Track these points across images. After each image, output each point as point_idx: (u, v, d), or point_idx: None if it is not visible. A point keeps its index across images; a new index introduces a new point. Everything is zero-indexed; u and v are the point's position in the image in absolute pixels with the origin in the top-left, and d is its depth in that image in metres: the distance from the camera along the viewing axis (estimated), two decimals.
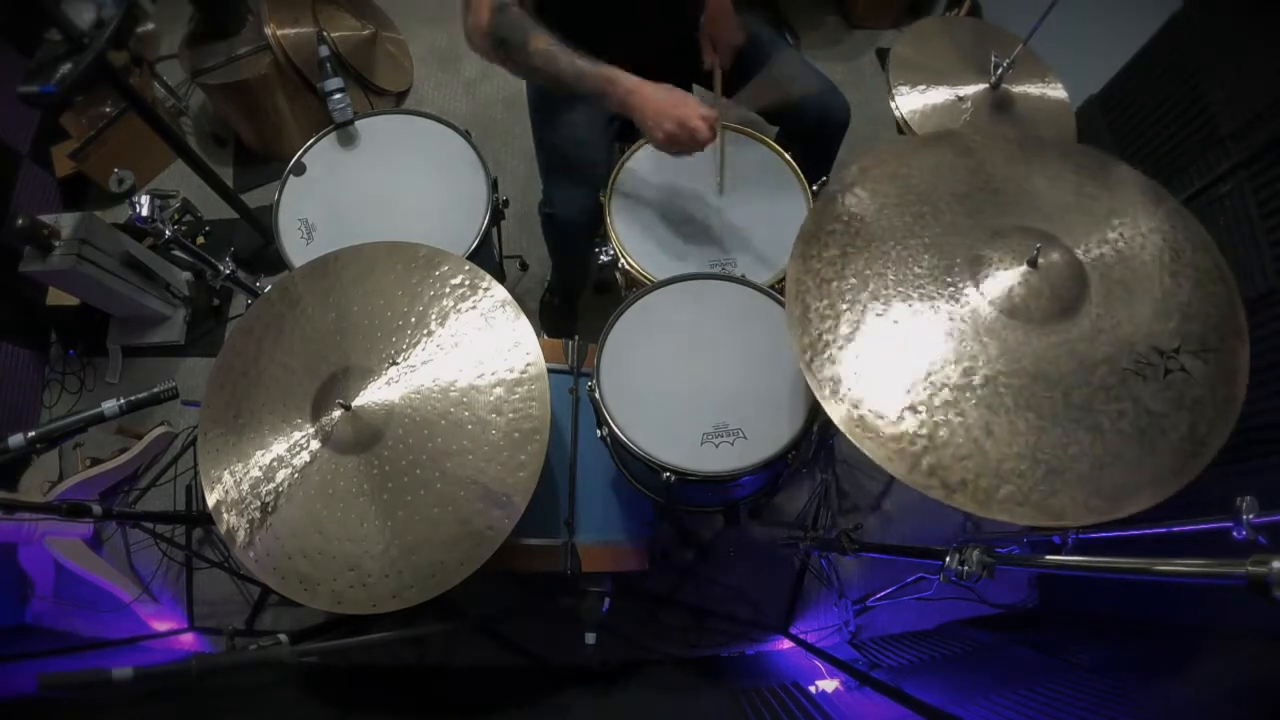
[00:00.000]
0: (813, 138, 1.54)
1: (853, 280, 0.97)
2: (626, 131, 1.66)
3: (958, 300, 0.94)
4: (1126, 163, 1.08)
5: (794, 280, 0.98)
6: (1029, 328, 0.92)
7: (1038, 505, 0.82)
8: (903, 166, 1.08)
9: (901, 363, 0.90)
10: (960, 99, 1.47)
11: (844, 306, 0.95)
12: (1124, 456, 0.84)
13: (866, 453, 0.85)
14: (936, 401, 0.87)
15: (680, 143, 1.22)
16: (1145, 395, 0.87)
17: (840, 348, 0.92)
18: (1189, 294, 0.95)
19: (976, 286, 0.95)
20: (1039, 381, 0.88)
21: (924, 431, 0.85)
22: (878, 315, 0.94)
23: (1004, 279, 0.95)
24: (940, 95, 1.48)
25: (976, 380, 0.88)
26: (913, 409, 0.87)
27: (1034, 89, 1.50)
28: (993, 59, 1.45)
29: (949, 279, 0.96)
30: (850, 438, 0.86)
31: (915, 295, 0.95)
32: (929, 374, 0.89)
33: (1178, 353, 0.90)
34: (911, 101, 1.47)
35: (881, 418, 0.87)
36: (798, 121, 1.54)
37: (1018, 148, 1.11)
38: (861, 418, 0.87)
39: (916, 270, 0.97)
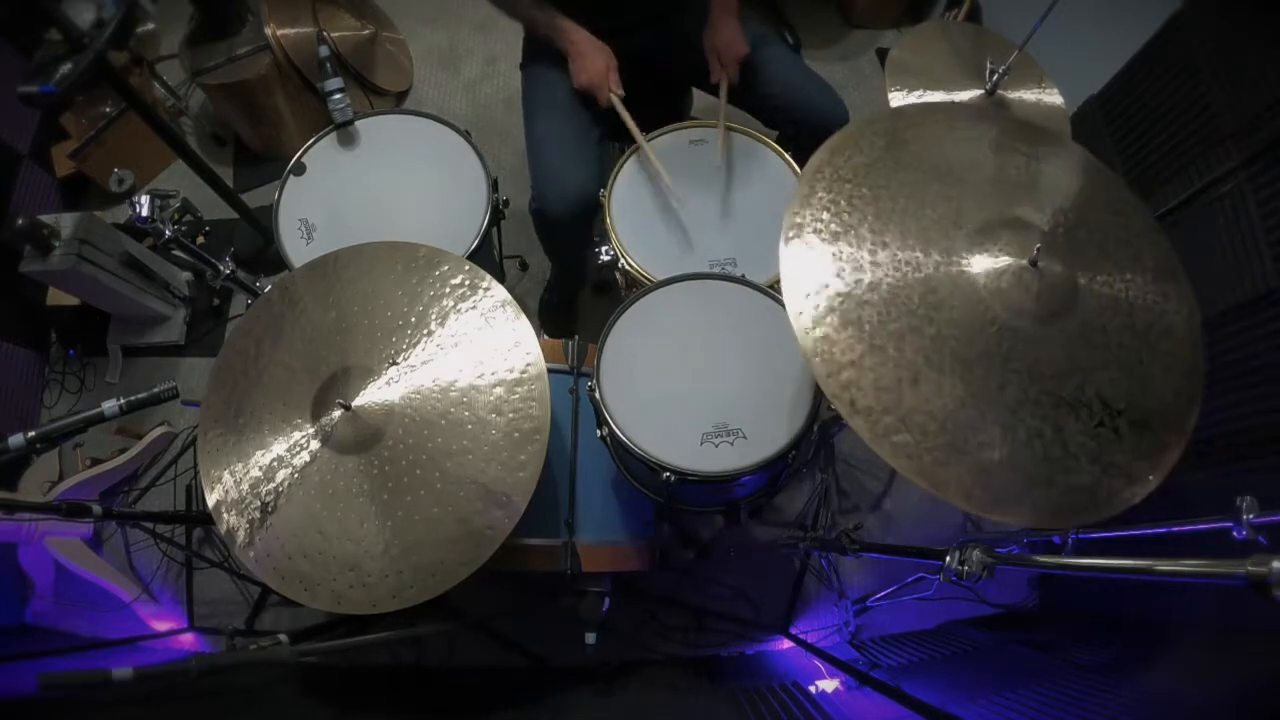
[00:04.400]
0: (812, 143, 1.54)
1: (865, 190, 0.97)
2: (621, 131, 1.66)
3: (950, 255, 0.94)
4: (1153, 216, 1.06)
5: (814, 166, 0.99)
6: (1002, 312, 0.91)
7: (924, 468, 0.82)
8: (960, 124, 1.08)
9: (871, 280, 0.91)
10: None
11: (845, 207, 0.96)
12: (1021, 471, 0.84)
13: (798, 338, 0.87)
14: (886, 329, 0.88)
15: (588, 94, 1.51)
16: (1068, 431, 0.86)
17: (824, 240, 0.93)
18: (1156, 372, 0.92)
19: (972, 254, 0.95)
20: (984, 362, 0.88)
21: (859, 347, 0.86)
22: (872, 231, 0.94)
23: (1003, 261, 0.94)
24: (935, 100, 1.47)
25: (929, 330, 0.88)
26: (859, 324, 0.88)
27: (1029, 95, 1.49)
28: (988, 65, 1.45)
29: (951, 234, 0.96)
30: (793, 322, 0.88)
31: (914, 231, 0.95)
32: (890, 302, 0.90)
33: (1120, 414, 0.88)
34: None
35: (828, 316, 0.88)
36: (796, 125, 1.55)
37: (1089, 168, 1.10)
38: (814, 308, 0.89)
39: (929, 212, 0.97)
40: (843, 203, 0.96)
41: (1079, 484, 0.84)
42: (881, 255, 0.93)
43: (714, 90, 1.67)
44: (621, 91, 1.47)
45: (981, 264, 0.94)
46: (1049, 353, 0.90)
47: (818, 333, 0.87)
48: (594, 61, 1.47)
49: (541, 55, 1.58)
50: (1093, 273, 0.97)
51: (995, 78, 1.44)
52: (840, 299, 0.89)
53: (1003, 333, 0.90)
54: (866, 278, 0.91)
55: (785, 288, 0.90)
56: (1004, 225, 0.98)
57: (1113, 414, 0.88)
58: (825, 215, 0.95)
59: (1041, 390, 0.87)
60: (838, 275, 0.91)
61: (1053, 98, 1.50)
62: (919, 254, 0.94)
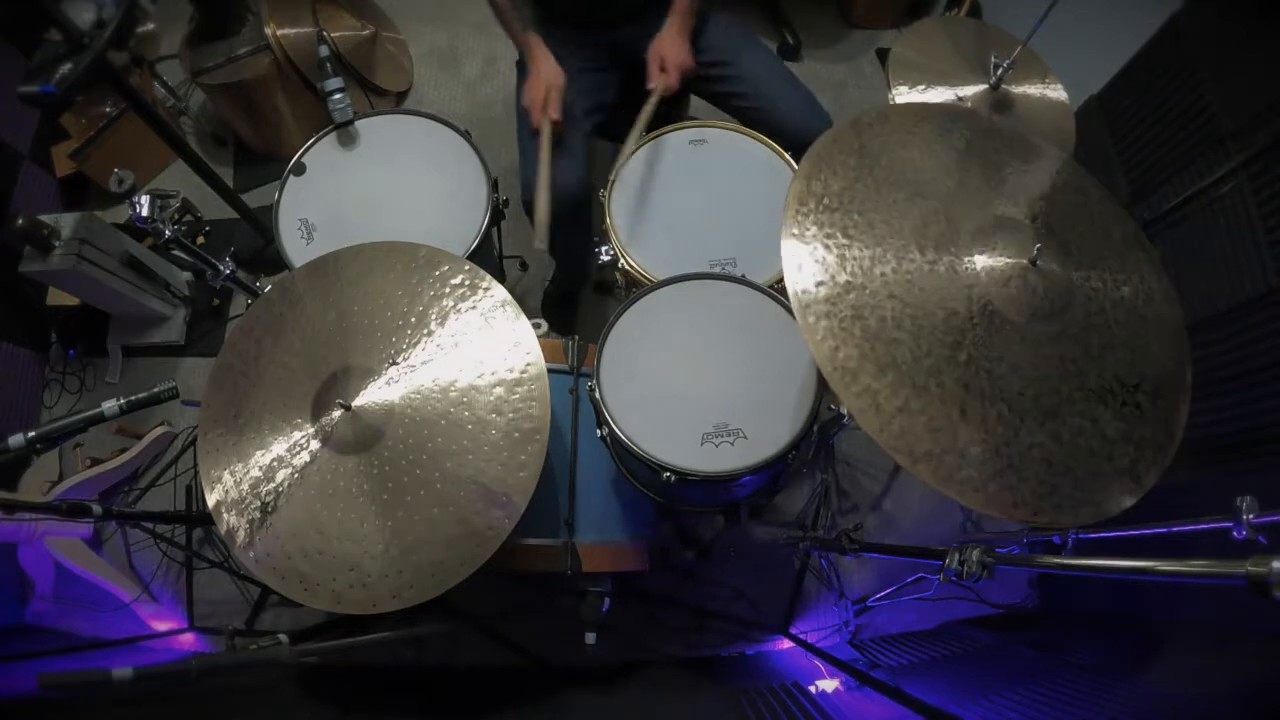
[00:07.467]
0: (791, 153, 1.54)
1: (856, 216, 0.95)
2: (618, 130, 1.66)
3: (955, 269, 0.94)
4: (1125, 180, 1.09)
5: (795, 196, 0.94)
6: (1016, 321, 0.91)
7: (991, 497, 0.83)
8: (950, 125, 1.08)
9: (894, 315, 0.89)
10: (960, 100, 1.47)
11: (843, 240, 0.92)
12: (1073, 471, 0.85)
13: (840, 395, 0.85)
14: (923, 366, 0.87)
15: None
16: (1103, 420, 0.88)
17: (835, 291, 0.89)
18: (1151, 340, 0.96)
19: (974, 257, 0.95)
20: (1015, 375, 0.88)
21: (903, 391, 0.85)
22: (876, 261, 0.92)
23: (1001, 263, 0.94)
24: (939, 96, 1.47)
25: (961, 356, 0.88)
26: (896, 366, 0.86)
27: (1033, 90, 1.49)
28: (992, 60, 1.45)
29: (952, 248, 0.96)
30: (832, 384, 0.85)
31: (915, 248, 0.94)
32: (917, 335, 0.88)
33: (1137, 389, 0.91)
34: (911, 102, 1.47)
35: (864, 364, 0.86)
36: (774, 136, 1.52)
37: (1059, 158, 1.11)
38: (844, 360, 0.86)
39: (925, 228, 0.97)
40: (839, 235, 0.93)
41: (1120, 467, 0.87)
42: (896, 285, 0.91)
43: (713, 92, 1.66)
44: (557, 116, 1.44)
45: (985, 267, 0.94)
46: (1067, 349, 0.91)
47: (858, 385, 0.85)
48: (536, 84, 1.46)
49: None
50: (1076, 260, 0.99)
51: (1000, 71, 1.44)
52: (870, 347, 0.87)
53: (1025, 341, 0.90)
54: (888, 313, 0.89)
55: (817, 354, 0.86)
56: (995, 228, 0.98)
57: (1131, 390, 0.91)
58: (824, 254, 0.92)
59: (1073, 387, 0.89)
60: (862, 319, 0.89)
61: (1057, 93, 1.50)
62: (928, 269, 0.93)
